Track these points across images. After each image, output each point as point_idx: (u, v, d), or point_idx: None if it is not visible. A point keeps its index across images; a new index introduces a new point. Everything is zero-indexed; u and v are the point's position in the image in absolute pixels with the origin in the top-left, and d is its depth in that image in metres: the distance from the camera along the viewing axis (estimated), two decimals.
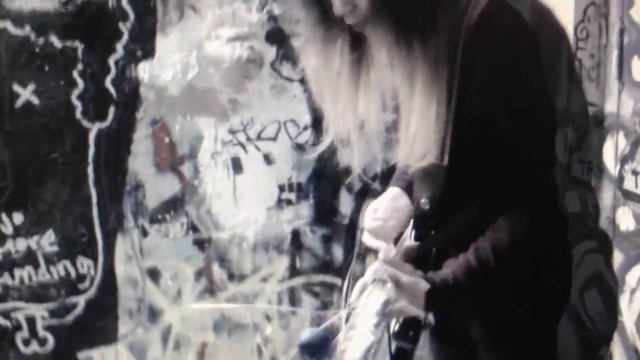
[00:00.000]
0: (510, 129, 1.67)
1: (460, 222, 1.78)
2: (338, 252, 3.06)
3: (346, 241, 3.06)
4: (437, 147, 1.66)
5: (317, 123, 2.93)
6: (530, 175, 1.71)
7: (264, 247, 3.01)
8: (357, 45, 1.79)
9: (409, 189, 2.04)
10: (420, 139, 1.65)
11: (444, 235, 1.82)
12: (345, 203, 3.03)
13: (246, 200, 2.97)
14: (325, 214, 3.03)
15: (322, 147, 1.98)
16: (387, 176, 2.98)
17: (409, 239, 1.89)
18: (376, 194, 2.99)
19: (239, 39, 2.81)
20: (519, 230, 1.69)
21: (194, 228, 2.94)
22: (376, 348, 1.64)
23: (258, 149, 2.94)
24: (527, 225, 1.69)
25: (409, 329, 1.75)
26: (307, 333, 1.62)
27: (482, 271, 1.68)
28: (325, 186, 3.00)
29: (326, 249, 3.05)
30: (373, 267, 1.76)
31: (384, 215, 1.99)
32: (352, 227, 3.05)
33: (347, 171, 2.95)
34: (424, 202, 1.82)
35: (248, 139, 2.92)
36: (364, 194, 3.03)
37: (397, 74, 1.66)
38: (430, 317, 1.82)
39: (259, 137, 2.93)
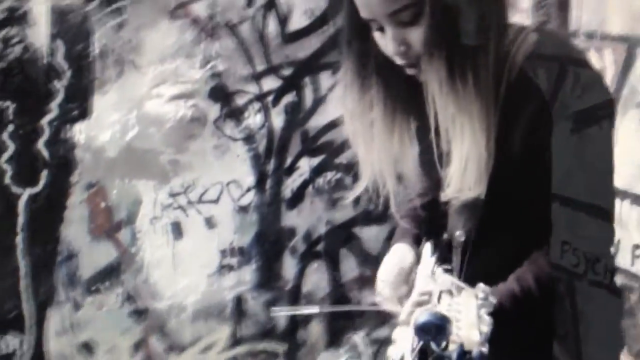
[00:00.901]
0: (542, 174, 1.74)
1: (491, 254, 1.80)
2: (281, 317, 2.93)
3: (290, 306, 2.93)
4: (484, 180, 1.68)
5: (260, 184, 2.82)
6: (549, 214, 1.80)
7: (204, 315, 2.84)
8: (396, 90, 1.81)
9: (416, 240, 2.02)
10: (471, 169, 1.66)
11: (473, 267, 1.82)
12: (289, 267, 2.91)
13: (186, 267, 2.80)
14: (268, 278, 2.90)
15: (356, 192, 1.87)
16: (329, 237, 2.91)
17: (431, 275, 1.84)
18: (319, 256, 2.91)
19: (181, 96, 2.67)
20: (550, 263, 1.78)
21: (130, 298, 2.74)
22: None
23: (199, 212, 2.79)
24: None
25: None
26: (425, 315, 1.54)
27: (524, 300, 1.72)
28: (268, 250, 2.87)
29: (269, 315, 2.91)
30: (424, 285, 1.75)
31: (394, 285, 1.92)
32: (296, 292, 2.93)
33: (291, 233, 2.86)
34: (459, 234, 1.81)
35: (189, 202, 2.77)
36: (309, 257, 2.92)
37: (450, 108, 1.66)
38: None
39: (200, 200, 2.78)
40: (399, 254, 2.00)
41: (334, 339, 2.98)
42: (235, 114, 2.75)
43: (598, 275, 2.04)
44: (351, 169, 2.87)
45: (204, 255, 2.82)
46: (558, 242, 2.11)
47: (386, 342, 2.90)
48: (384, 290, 1.94)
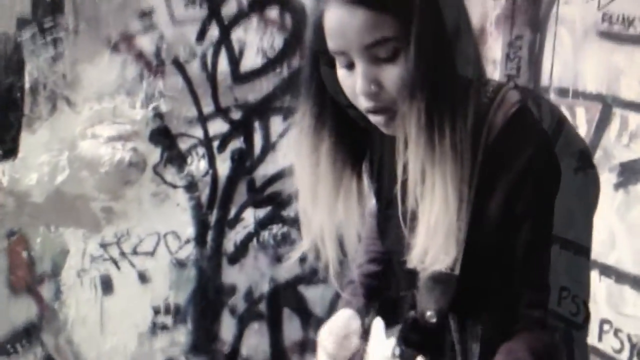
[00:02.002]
0: (531, 240, 1.57)
1: (472, 336, 1.62)
2: None
3: None
4: (458, 249, 1.49)
5: (201, 236, 2.58)
6: (545, 286, 1.62)
7: None
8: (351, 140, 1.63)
9: (363, 309, 1.84)
10: (440, 236, 1.47)
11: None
12: (228, 327, 2.67)
13: (115, 326, 2.54)
14: (204, 340, 2.65)
15: (298, 252, 1.67)
16: (272, 296, 2.69)
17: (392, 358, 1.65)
18: (261, 317, 2.69)
19: (119, 138, 2.42)
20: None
21: None
22: None
23: (132, 265, 2.53)
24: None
25: None
26: None
27: None
28: (206, 308, 2.63)
29: None
30: None
31: (335, 348, 1.77)
32: (234, 356, 2.68)
33: (232, 290, 2.63)
34: (430, 314, 1.60)
35: (122, 253, 2.51)
36: (249, 317, 2.68)
37: (422, 161, 1.46)
38: None
39: (134, 252, 2.52)
40: (345, 319, 1.81)
41: None
42: (177, 159, 2.51)
43: None
44: (299, 223, 2.66)
45: (135, 312, 2.56)
46: (556, 287, 1.98)
47: None
48: (329, 346, 1.77)
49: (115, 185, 2.44)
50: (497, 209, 1.53)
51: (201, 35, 2.46)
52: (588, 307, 1.95)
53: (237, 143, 2.57)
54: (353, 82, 1.47)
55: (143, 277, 2.55)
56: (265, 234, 2.65)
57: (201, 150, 2.53)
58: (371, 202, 1.83)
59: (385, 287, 1.91)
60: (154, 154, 2.48)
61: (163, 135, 2.48)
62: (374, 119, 1.51)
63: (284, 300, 2.71)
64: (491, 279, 1.58)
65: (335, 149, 1.60)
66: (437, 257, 1.48)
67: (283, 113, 2.59)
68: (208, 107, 2.52)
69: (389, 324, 1.74)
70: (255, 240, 2.65)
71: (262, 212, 2.64)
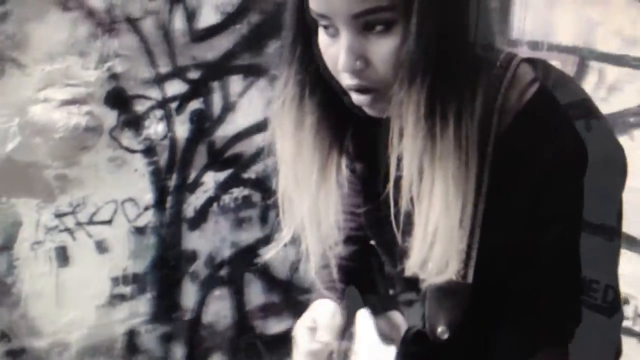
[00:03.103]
0: (561, 240, 1.35)
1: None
2: (178, 352, 2.60)
3: (188, 339, 2.60)
4: (459, 260, 1.28)
5: (160, 202, 2.47)
6: (574, 300, 1.41)
7: (91, 354, 2.47)
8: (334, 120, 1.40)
9: (343, 297, 1.61)
10: (439, 244, 1.26)
11: None
12: (189, 295, 2.58)
13: (72, 299, 2.42)
14: (165, 309, 2.55)
15: (275, 247, 1.52)
16: (234, 261, 2.61)
17: None
18: (222, 282, 2.61)
19: (73, 102, 2.27)
20: None
21: (4, 337, 2.33)
22: None
23: (89, 235, 2.40)
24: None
25: None
26: None
27: None
28: (166, 276, 2.53)
29: (165, 350, 2.58)
30: None
31: (327, 338, 1.56)
32: (196, 323, 2.60)
33: (193, 257, 2.54)
34: (441, 330, 1.41)
35: (78, 223, 2.38)
36: (211, 283, 2.60)
37: (420, 157, 1.25)
38: None
39: (90, 221, 2.40)
40: (324, 311, 1.59)
41: None
42: (134, 123, 2.39)
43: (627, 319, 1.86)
44: (260, 185, 2.58)
45: (93, 284, 2.44)
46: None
47: None
48: (306, 344, 1.54)
49: (70, 151, 2.30)
50: (518, 212, 1.32)
51: None
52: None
53: (195, 104, 2.46)
54: (335, 53, 1.25)
55: (101, 247, 2.43)
56: (225, 198, 2.57)
57: (159, 112, 2.42)
58: (346, 172, 1.64)
59: (366, 270, 1.69)
60: (110, 118, 2.35)
61: (119, 98, 2.35)
62: (357, 98, 1.29)
63: (246, 264, 2.64)
64: (512, 288, 1.37)
65: (321, 124, 1.38)
66: (438, 268, 1.28)
67: (243, 72, 2.49)
68: (165, 67, 2.40)
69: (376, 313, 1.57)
70: (215, 204, 2.56)
71: (222, 176, 2.55)
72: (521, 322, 1.38)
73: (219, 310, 2.63)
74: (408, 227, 1.29)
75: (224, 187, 2.56)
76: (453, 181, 1.23)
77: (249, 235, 2.62)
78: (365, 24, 1.19)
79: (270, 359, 2.71)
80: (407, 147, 1.24)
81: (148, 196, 2.46)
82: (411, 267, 1.29)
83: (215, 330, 2.64)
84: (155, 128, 2.42)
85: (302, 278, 2.69)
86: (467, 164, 1.24)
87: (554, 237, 1.32)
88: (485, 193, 1.29)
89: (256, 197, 2.58)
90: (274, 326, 2.71)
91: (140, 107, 2.39)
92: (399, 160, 1.25)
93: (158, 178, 2.46)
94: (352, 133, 1.45)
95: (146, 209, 2.47)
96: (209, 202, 2.55)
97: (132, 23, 2.32)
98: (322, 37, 1.27)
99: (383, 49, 1.21)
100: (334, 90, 1.32)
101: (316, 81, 1.34)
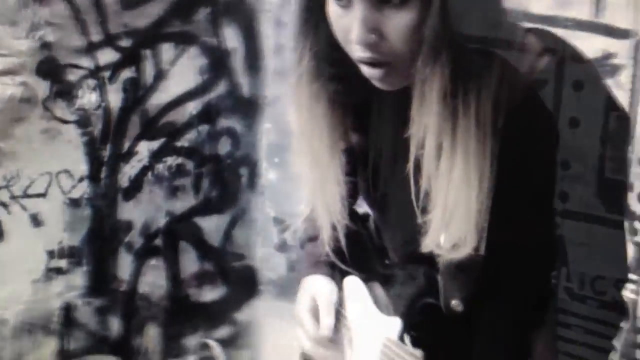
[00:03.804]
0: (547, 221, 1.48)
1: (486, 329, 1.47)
2: (115, 324, 2.58)
3: (124, 311, 2.59)
4: (476, 235, 1.32)
5: (95, 173, 2.44)
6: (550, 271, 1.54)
7: (28, 329, 2.42)
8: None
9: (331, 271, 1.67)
10: (457, 220, 1.31)
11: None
12: (124, 266, 2.56)
13: (6, 274, 2.36)
14: (101, 281, 2.53)
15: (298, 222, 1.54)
16: (168, 229, 2.61)
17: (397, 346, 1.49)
18: (157, 252, 2.61)
19: (7, 72, 2.22)
20: None
21: None
22: None
23: (24, 208, 2.35)
24: None
25: None
26: None
27: None
28: (102, 248, 2.51)
29: (102, 322, 2.55)
30: None
31: (331, 321, 1.59)
32: (131, 294, 2.59)
33: (128, 227, 2.53)
34: (455, 303, 1.44)
35: (12, 196, 2.32)
36: (146, 253, 2.59)
37: (441, 134, 1.29)
38: None
39: (25, 194, 2.34)
40: (324, 287, 1.62)
41: (172, 344, 2.68)
42: (66, 93, 2.34)
43: None
44: (193, 153, 2.58)
45: (28, 258, 2.39)
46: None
47: (228, 342, 2.69)
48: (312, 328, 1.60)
49: (3, 123, 2.24)
50: (523, 186, 1.38)
51: None
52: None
53: (128, 73, 2.44)
54: (348, 25, 1.24)
55: (35, 221, 2.38)
56: (159, 167, 2.55)
57: (92, 81, 2.38)
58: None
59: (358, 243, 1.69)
60: (42, 88, 2.30)
61: (51, 67, 2.30)
62: (368, 71, 1.30)
63: (180, 233, 2.64)
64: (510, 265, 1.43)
65: (337, 97, 1.40)
66: (457, 243, 1.32)
67: (174, 40, 2.48)
68: (96, 36, 2.36)
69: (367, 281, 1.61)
70: (150, 173, 2.54)
71: (156, 144, 2.53)
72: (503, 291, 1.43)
73: (154, 280, 2.62)
74: (425, 205, 1.34)
75: (157, 156, 2.54)
76: (473, 158, 1.27)
77: (183, 203, 2.62)
78: None
79: (204, 327, 2.72)
80: (429, 125, 1.27)
81: (82, 167, 2.42)
82: (428, 244, 1.34)
83: (150, 300, 2.63)
84: (88, 98, 2.38)
85: (236, 245, 2.71)
86: (484, 141, 1.27)
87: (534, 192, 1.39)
88: (496, 169, 1.32)
89: (189, 165, 2.58)
90: (208, 294, 2.72)
91: (72, 76, 2.34)
92: (420, 138, 1.29)
93: (92, 148, 2.42)
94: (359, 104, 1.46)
95: (81, 180, 2.42)
96: (143, 171, 2.53)
97: None
98: (333, 8, 1.26)
99: (399, 22, 1.21)
100: (349, 62, 1.32)
101: (331, 53, 1.34)
